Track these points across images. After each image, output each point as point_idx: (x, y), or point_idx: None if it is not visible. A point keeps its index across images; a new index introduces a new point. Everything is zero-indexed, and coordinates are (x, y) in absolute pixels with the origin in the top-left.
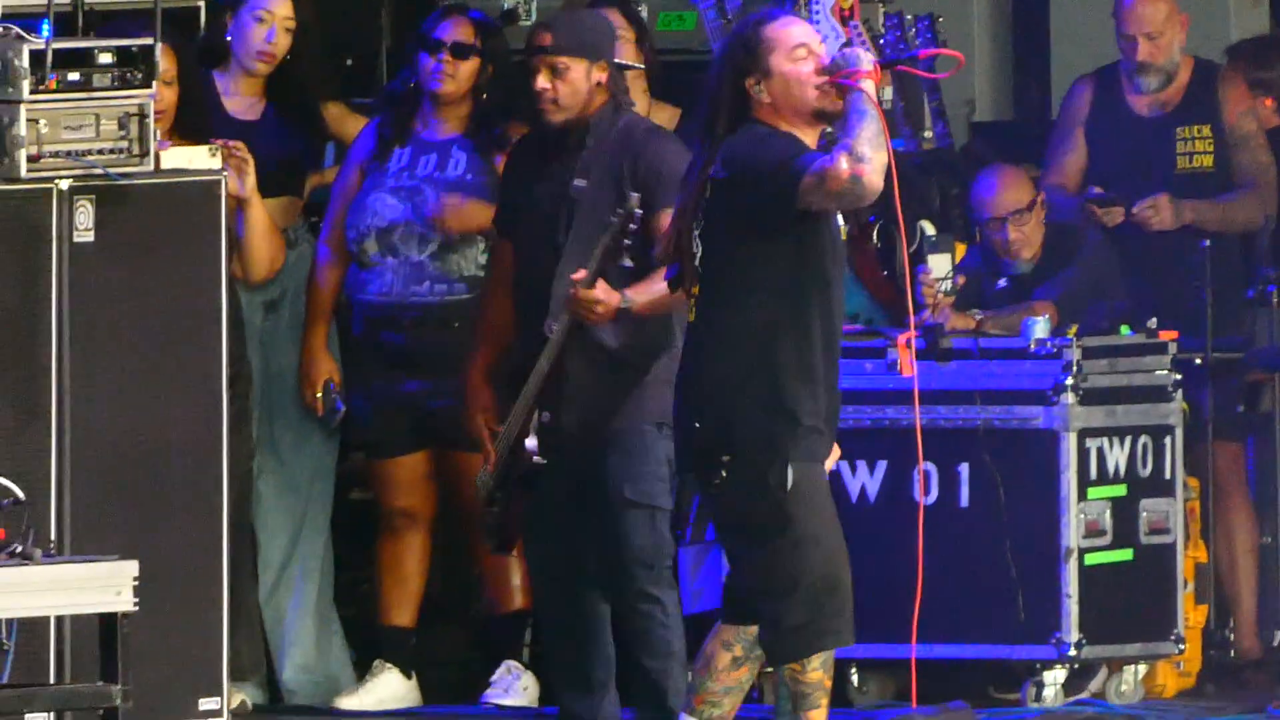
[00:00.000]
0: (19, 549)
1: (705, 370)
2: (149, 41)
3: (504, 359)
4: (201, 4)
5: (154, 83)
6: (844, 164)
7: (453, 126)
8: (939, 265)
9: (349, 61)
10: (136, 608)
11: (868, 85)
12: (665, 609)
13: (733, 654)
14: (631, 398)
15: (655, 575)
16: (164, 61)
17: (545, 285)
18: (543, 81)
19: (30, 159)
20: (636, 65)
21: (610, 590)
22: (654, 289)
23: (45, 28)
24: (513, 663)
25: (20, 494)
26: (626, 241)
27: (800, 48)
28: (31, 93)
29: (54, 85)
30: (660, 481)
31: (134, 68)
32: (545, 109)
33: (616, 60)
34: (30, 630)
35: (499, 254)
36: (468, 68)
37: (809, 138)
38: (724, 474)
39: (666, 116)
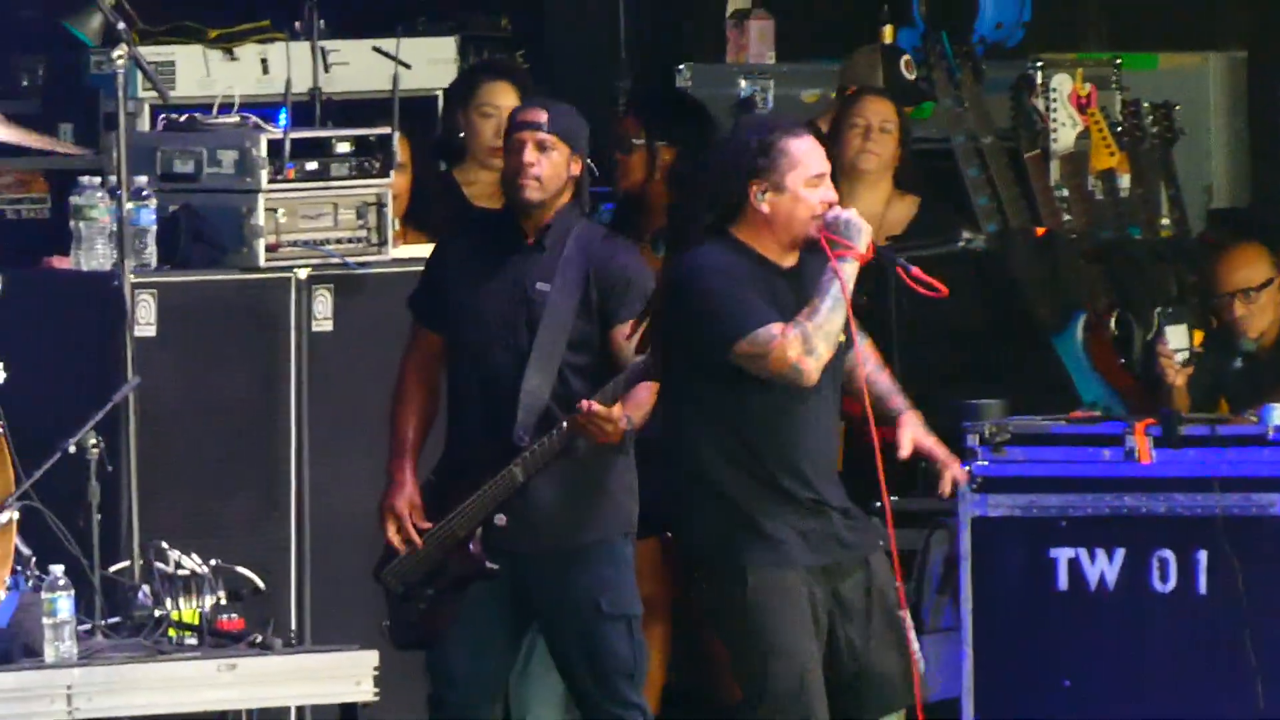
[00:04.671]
0: (259, 639)
1: (671, 479)
2: (386, 131)
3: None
4: (439, 94)
5: (391, 172)
6: (793, 351)
7: None
8: (1176, 336)
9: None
10: (377, 698)
11: (850, 269)
12: (646, 714)
13: None
14: (597, 509)
15: (636, 683)
16: (398, 149)
17: (505, 389)
18: (530, 155)
19: (269, 248)
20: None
21: (587, 701)
22: (642, 401)
23: (283, 117)
24: None
25: (260, 584)
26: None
27: (820, 177)
28: (269, 182)
29: (292, 175)
30: (632, 589)
31: (371, 157)
32: (525, 184)
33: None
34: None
35: (420, 341)
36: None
37: (778, 256)
38: (700, 583)
39: (906, 206)
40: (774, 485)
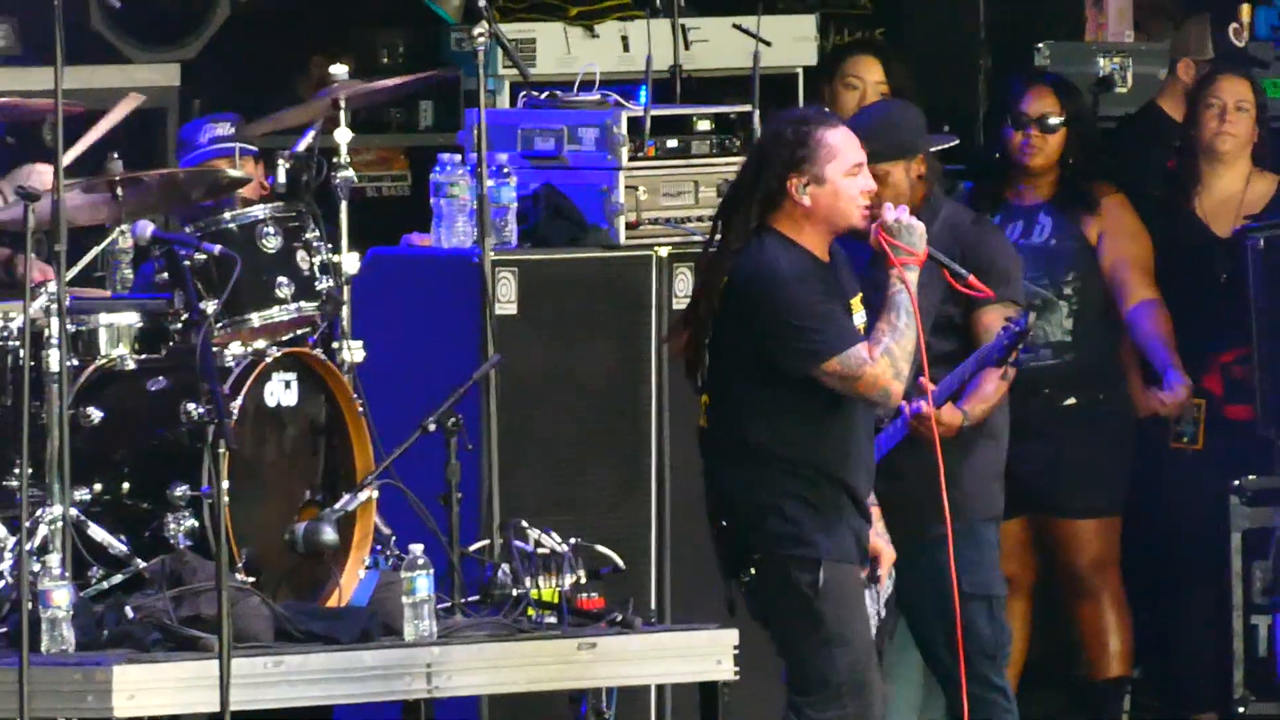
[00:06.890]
0: (619, 617)
1: (729, 473)
2: (747, 108)
3: None
4: (799, 71)
5: None
6: (885, 375)
7: (1040, 193)
8: None
9: (946, 128)
10: (738, 677)
11: (913, 275)
12: (1008, 696)
13: None
14: (962, 491)
15: (998, 664)
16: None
17: None
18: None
19: (629, 226)
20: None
21: (950, 681)
22: (988, 396)
23: (644, 94)
24: None
25: (620, 562)
26: (1008, 359)
27: (857, 166)
28: (630, 160)
29: (652, 152)
30: (994, 569)
31: (732, 134)
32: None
33: (930, 148)
34: (631, 698)
35: None
36: (1055, 140)
37: (820, 249)
38: (753, 571)
39: (1265, 184)
40: (839, 486)
